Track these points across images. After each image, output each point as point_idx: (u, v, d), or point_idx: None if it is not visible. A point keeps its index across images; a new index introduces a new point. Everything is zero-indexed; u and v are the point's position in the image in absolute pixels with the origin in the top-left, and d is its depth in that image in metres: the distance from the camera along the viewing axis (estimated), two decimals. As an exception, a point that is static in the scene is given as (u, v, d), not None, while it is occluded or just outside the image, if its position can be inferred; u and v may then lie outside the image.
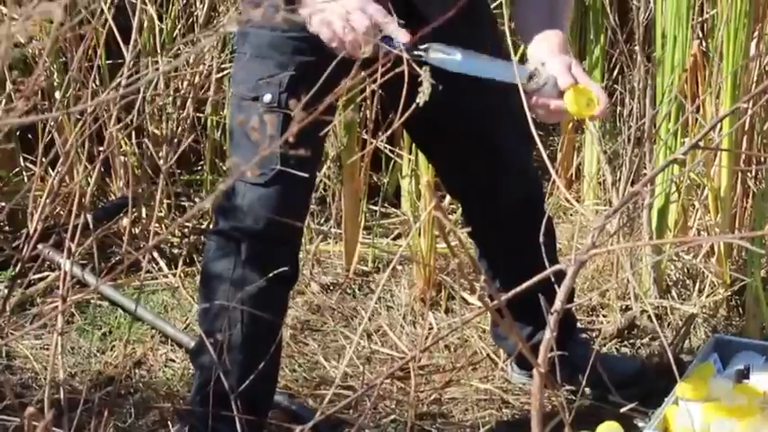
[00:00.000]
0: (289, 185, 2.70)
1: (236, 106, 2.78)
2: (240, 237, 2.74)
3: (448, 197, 3.69)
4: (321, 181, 3.75)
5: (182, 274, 3.64)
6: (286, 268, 2.74)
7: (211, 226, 2.84)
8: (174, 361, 3.26)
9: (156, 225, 3.66)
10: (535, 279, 2.18)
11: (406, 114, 2.24)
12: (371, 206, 3.90)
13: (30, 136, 3.82)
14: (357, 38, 2.43)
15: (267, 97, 2.69)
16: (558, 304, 2.07)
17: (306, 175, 2.69)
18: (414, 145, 3.50)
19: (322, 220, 3.83)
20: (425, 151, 3.17)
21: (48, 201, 2.37)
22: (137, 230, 3.71)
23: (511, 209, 2.97)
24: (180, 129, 3.85)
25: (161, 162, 3.76)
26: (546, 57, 2.59)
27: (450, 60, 2.55)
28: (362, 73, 2.20)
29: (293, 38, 2.66)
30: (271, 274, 2.68)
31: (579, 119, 2.60)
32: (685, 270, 3.49)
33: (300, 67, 2.66)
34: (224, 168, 3.93)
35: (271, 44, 2.71)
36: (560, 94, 2.52)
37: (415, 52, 2.50)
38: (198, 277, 3.57)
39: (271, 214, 2.70)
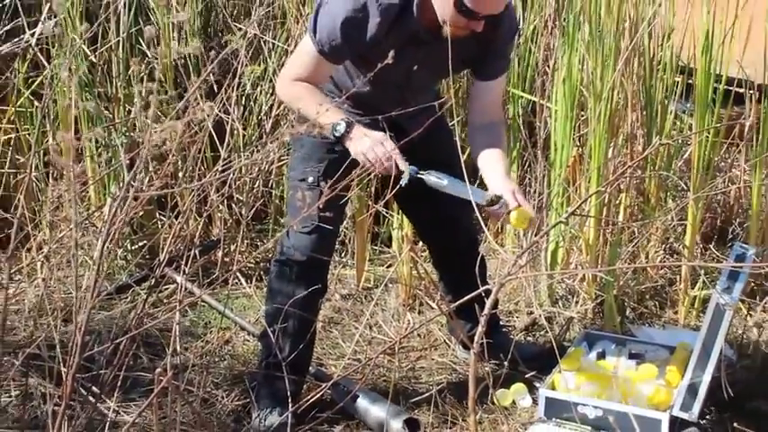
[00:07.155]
0: (322, 234, 2.71)
1: (292, 186, 2.79)
2: (292, 264, 2.74)
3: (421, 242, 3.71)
4: (343, 230, 3.74)
5: (255, 288, 3.63)
6: (319, 285, 2.75)
7: (274, 256, 2.83)
8: (249, 341, 3.25)
9: (239, 256, 3.66)
10: (473, 294, 2.19)
11: (395, 190, 2.27)
12: (373, 246, 3.90)
13: (163, 199, 3.84)
14: (384, 165, 2.48)
15: (310, 179, 2.71)
16: (486, 309, 2.08)
17: (331, 227, 2.70)
18: (400, 209, 3.52)
19: (343, 255, 3.84)
20: (406, 214, 3.17)
21: (172, 240, 2.40)
22: (227, 259, 3.71)
23: (459, 250, 2.97)
24: (254, 197, 3.87)
25: (242, 217, 3.77)
26: (499, 186, 2.61)
27: (440, 183, 2.58)
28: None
29: (327, 144, 2.68)
30: (310, 288, 2.68)
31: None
32: (567, 289, 3.48)
33: (330, 162, 2.68)
34: (282, 222, 3.93)
35: (314, 146, 2.73)
36: (508, 211, 2.56)
37: (418, 175, 2.54)
38: (265, 290, 3.59)
39: (309, 252, 2.71)
